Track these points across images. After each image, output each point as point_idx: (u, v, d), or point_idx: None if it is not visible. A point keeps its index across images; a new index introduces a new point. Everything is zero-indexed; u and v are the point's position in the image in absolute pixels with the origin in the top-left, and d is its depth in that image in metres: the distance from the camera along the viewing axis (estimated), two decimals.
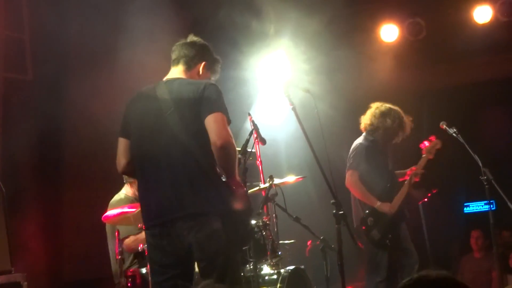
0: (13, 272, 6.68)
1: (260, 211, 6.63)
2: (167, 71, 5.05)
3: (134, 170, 4.86)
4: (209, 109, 4.55)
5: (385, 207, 7.30)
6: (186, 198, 4.54)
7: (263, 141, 6.66)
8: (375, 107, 7.57)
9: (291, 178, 7.00)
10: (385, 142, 7.57)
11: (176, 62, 4.98)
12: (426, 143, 7.69)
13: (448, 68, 10.64)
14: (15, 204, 7.79)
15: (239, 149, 6.30)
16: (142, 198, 4.85)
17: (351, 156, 7.48)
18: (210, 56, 5.05)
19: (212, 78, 5.05)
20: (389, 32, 10.26)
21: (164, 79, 4.92)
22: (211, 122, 4.53)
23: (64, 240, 8.71)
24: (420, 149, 7.71)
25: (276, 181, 6.67)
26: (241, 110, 7.69)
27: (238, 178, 4.67)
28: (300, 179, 7.08)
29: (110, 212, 6.15)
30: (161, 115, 4.67)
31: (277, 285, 6.27)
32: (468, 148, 7.12)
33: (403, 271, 7.35)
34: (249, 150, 6.37)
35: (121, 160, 4.86)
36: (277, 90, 5.73)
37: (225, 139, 4.49)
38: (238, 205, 4.57)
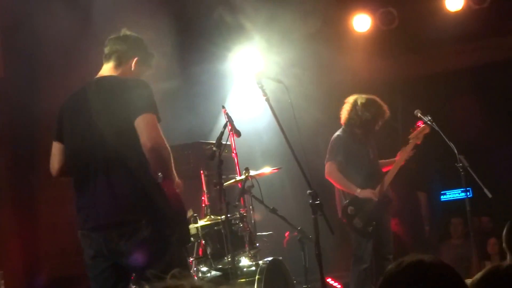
0: None
1: (237, 203, 6.64)
2: None
3: (68, 174, 4.70)
4: (138, 110, 4.36)
5: (367, 193, 7.30)
6: (114, 205, 4.38)
7: (237, 133, 6.66)
8: (353, 100, 7.54)
9: (267, 170, 7.01)
10: (366, 132, 7.55)
11: (108, 58, 4.75)
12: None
13: (421, 57, 10.67)
14: None
15: (214, 142, 6.30)
16: (76, 201, 4.64)
17: (329, 148, 7.49)
18: (143, 50, 4.81)
19: (147, 73, 4.84)
20: (362, 22, 10.24)
21: (96, 77, 4.72)
22: (140, 124, 4.33)
23: (41, 237, 8.65)
24: (397, 139, 7.75)
25: (252, 173, 6.67)
26: (216, 103, 7.67)
27: (173, 179, 4.49)
28: (276, 170, 7.08)
29: None
30: (90, 118, 4.47)
31: (255, 276, 6.26)
32: (443, 136, 7.16)
33: (378, 263, 7.37)
34: (224, 142, 6.35)
35: (54, 164, 4.73)
36: (251, 83, 5.71)
37: (155, 141, 4.31)
38: (169, 208, 4.40)
